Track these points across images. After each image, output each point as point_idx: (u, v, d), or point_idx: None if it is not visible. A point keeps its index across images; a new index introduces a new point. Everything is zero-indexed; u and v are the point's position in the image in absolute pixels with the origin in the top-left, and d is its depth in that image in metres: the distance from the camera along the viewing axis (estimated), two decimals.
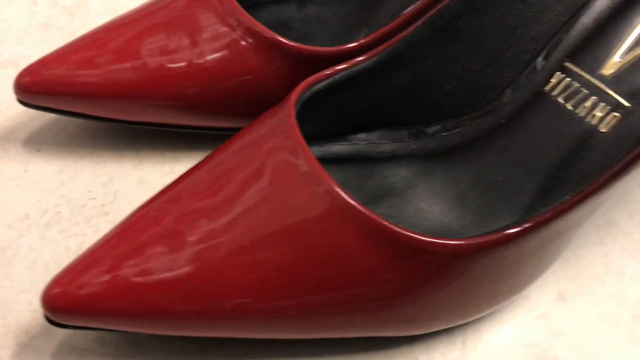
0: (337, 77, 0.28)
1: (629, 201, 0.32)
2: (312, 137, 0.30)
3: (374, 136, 0.31)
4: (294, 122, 0.25)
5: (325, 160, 0.30)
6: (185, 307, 0.22)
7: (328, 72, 0.28)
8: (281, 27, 0.37)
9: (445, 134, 0.30)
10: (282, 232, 0.23)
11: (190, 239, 0.22)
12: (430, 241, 0.23)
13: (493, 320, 0.27)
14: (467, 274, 0.24)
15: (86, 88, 0.30)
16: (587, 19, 0.29)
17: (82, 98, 0.31)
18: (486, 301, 0.26)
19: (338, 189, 0.23)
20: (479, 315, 0.27)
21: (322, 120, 0.30)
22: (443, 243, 0.23)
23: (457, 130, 0.30)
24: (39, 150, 0.33)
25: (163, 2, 0.31)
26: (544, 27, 0.29)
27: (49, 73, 0.30)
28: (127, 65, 0.30)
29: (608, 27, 0.28)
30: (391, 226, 0.23)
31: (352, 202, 0.23)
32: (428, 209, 0.29)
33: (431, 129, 0.31)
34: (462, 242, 0.23)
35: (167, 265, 0.22)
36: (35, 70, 0.30)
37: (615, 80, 0.27)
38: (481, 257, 0.23)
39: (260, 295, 0.23)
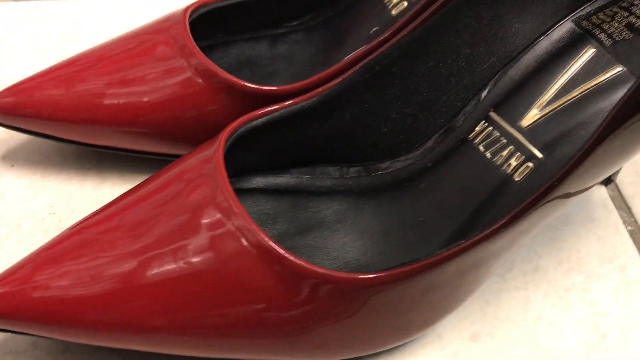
0: (276, 114, 0.30)
1: (560, 249, 0.32)
2: (258, 168, 0.33)
3: (316, 171, 0.33)
4: (220, 154, 0.27)
5: (266, 191, 0.32)
6: (96, 317, 0.24)
7: (266, 109, 0.30)
8: (250, 64, 0.40)
9: (379, 173, 0.32)
10: (192, 255, 0.25)
11: (105, 256, 0.25)
12: (325, 273, 0.24)
13: (404, 353, 0.28)
14: (367, 307, 0.25)
15: (56, 113, 0.33)
16: (514, 72, 0.30)
17: (52, 121, 0.34)
18: (397, 333, 0.27)
19: (248, 221, 0.25)
20: (391, 346, 0.28)
21: (268, 153, 0.32)
22: (339, 276, 0.24)
23: (390, 170, 0.32)
24: (12, 165, 0.36)
25: (131, 38, 0.34)
26: (475, 77, 0.31)
27: (24, 97, 0.33)
28: (92, 93, 0.33)
29: (531, 81, 0.29)
30: (292, 258, 0.24)
31: (261, 235, 0.24)
32: (353, 243, 0.30)
33: (367, 168, 0.32)
34: (356, 276, 0.24)
35: (81, 280, 0.24)
36: (11, 94, 0.33)
37: (531, 132, 0.28)
38: (378, 291, 0.25)
39: (163, 312, 0.24)
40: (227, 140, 0.28)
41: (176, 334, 0.25)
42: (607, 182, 0.35)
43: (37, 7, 0.46)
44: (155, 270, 0.25)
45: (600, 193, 0.35)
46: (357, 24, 0.39)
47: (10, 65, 0.41)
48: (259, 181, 0.32)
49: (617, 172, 0.35)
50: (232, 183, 0.32)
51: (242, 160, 0.31)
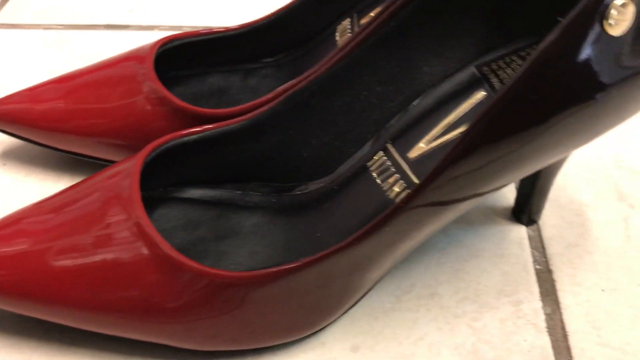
0: (208, 133, 0.34)
1: (461, 279, 0.34)
2: (198, 181, 0.37)
3: (248, 187, 0.37)
4: (138, 165, 0.31)
5: (198, 201, 0.36)
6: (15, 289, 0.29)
7: (201, 128, 0.34)
8: (220, 93, 0.45)
9: (297, 193, 0.35)
10: (97, 247, 0.29)
11: (30, 240, 0.30)
12: (202, 269, 0.28)
13: (286, 354, 0.31)
14: (246, 303, 0.29)
15: (40, 123, 0.39)
16: (415, 109, 0.33)
17: (37, 130, 0.40)
18: (279, 330, 0.30)
19: (144, 220, 0.29)
20: (276, 342, 0.31)
21: (205, 168, 0.36)
22: (214, 272, 0.28)
23: (306, 191, 0.35)
24: (4, 164, 0.42)
25: (104, 64, 0.40)
26: (384, 112, 0.34)
27: (10, 107, 0.39)
28: (67, 109, 0.39)
29: (426, 118, 0.32)
30: (179, 257, 0.28)
31: (152, 234, 0.28)
32: (259, 253, 0.33)
33: (289, 188, 0.36)
34: (228, 273, 0.28)
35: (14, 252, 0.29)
36: (6, 104, 0.40)
37: (415, 163, 0.31)
38: (252, 290, 0.28)
39: (70, 289, 0.29)
40: (150, 153, 0.32)
41: (80, 308, 0.29)
42: (530, 222, 0.37)
43: (54, 34, 0.53)
44: (67, 255, 0.29)
45: (519, 232, 0.37)
46: (314, 65, 0.43)
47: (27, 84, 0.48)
48: (194, 192, 0.36)
49: (540, 213, 0.37)
50: (169, 192, 0.36)
51: (182, 172, 0.36)
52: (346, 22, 0.43)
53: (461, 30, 0.33)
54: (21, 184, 0.40)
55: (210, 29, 0.52)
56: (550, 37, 0.24)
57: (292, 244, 0.33)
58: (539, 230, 0.37)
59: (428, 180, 0.27)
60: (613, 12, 0.24)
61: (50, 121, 0.39)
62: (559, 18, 0.25)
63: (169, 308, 0.29)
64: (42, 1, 0.58)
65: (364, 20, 0.42)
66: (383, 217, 0.27)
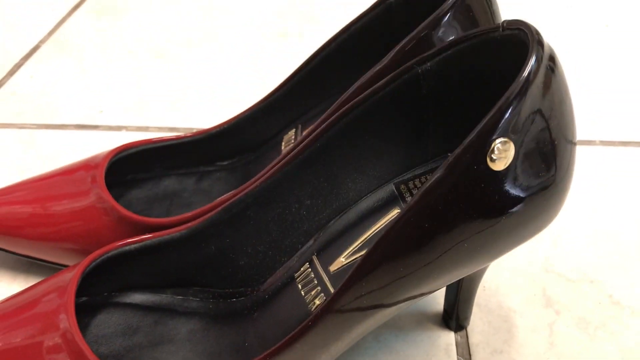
0: (148, 242, 0.37)
1: None
2: (141, 286, 0.39)
3: (188, 292, 0.38)
4: (77, 275, 0.33)
5: (139, 306, 0.38)
6: None
7: (141, 237, 0.36)
8: (173, 195, 0.47)
9: (233, 300, 0.37)
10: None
11: None
12: None
13: None
14: None
15: None
16: (339, 223, 0.35)
17: None
18: None
19: (74, 329, 0.31)
20: None
21: (147, 274, 0.38)
22: None
23: (241, 298, 0.37)
24: None
25: (60, 171, 0.43)
26: (313, 224, 0.36)
27: None
28: (19, 212, 0.41)
29: (348, 233, 0.34)
30: None
31: (79, 342, 0.30)
32: (192, 359, 0.35)
33: (226, 294, 0.37)
34: None
35: None
36: None
37: (335, 276, 0.33)
38: None
39: None
40: (91, 262, 0.34)
41: None
42: (458, 328, 0.39)
43: (26, 134, 0.56)
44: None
45: (448, 338, 0.38)
46: (262, 170, 0.45)
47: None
48: (137, 297, 0.38)
49: (468, 319, 0.39)
50: (112, 297, 0.38)
51: (125, 277, 0.38)
52: (291, 133, 0.46)
53: (382, 150, 0.35)
54: None
55: (174, 129, 0.55)
56: (437, 173, 0.26)
57: (223, 353, 0.35)
58: (466, 336, 0.38)
59: (336, 296, 0.28)
60: (495, 149, 0.26)
61: (4, 227, 0.41)
62: (448, 154, 0.27)
63: None
64: (18, 101, 0.61)
65: (306, 132, 0.45)
66: (300, 330, 0.29)
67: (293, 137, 0.45)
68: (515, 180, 0.28)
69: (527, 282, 0.41)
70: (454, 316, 0.38)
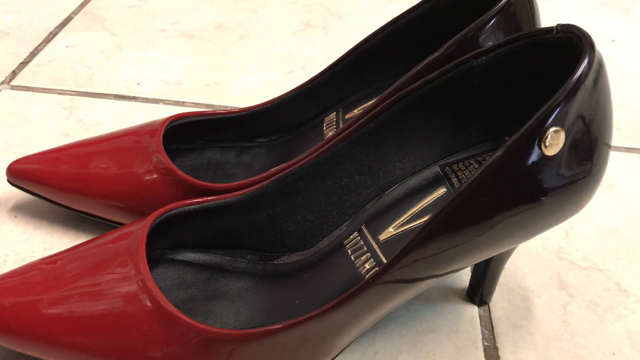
0: (207, 204, 0.40)
1: (420, 350, 0.39)
2: (193, 245, 0.41)
3: (237, 254, 0.41)
4: (146, 228, 0.36)
5: (191, 264, 0.41)
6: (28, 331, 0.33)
7: (202, 199, 0.39)
8: (216, 166, 0.50)
9: (281, 263, 0.40)
10: (99, 295, 0.34)
11: (46, 287, 0.34)
12: (192, 323, 0.32)
13: None
14: (231, 357, 0.33)
15: (52, 182, 0.44)
16: (387, 198, 0.38)
17: (48, 187, 0.44)
18: None
19: (148, 277, 0.33)
20: None
21: (200, 234, 0.41)
22: (206, 328, 0.32)
23: (289, 261, 0.40)
24: (15, 216, 0.46)
25: (118, 133, 0.45)
26: (360, 198, 0.39)
27: (25, 167, 0.44)
28: (80, 172, 0.43)
29: (395, 207, 0.38)
30: (175, 312, 0.32)
31: (154, 290, 0.33)
32: (243, 314, 0.38)
33: (273, 257, 0.41)
34: (214, 329, 0.32)
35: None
36: (23, 163, 0.44)
37: (385, 245, 0.36)
38: (235, 347, 0.33)
39: (76, 333, 0.33)
40: (156, 218, 0.37)
41: (83, 351, 0.33)
42: (481, 303, 0.42)
43: (67, 100, 0.59)
44: (77, 304, 0.34)
45: (472, 311, 0.42)
46: (302, 148, 0.48)
47: (42, 146, 0.53)
48: (189, 255, 0.41)
49: (491, 296, 0.42)
50: (166, 253, 0.41)
51: (179, 236, 0.40)
52: (332, 115, 0.49)
53: (429, 135, 0.39)
54: (29, 236, 0.45)
55: (209, 106, 0.58)
56: (498, 153, 0.30)
57: (273, 309, 0.38)
58: (489, 311, 0.42)
59: (393, 261, 0.32)
60: (549, 136, 0.30)
61: (61, 181, 0.43)
62: (506, 138, 0.30)
63: (160, 357, 0.33)
64: (57, 68, 0.63)
65: (348, 115, 0.48)
66: (354, 291, 0.32)
67: (334, 119, 0.49)
68: (559, 167, 0.31)
69: (542, 267, 0.45)
70: (479, 292, 0.41)
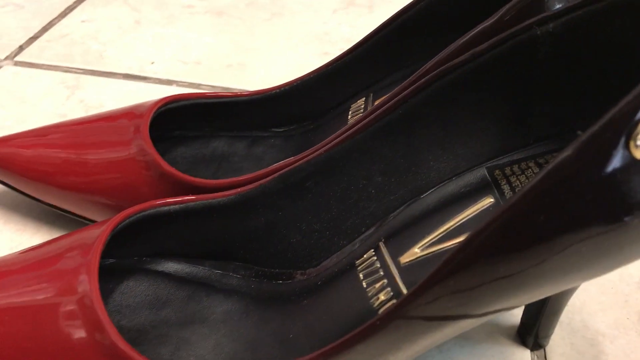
0: (191, 204, 0.32)
1: None
2: (177, 254, 0.34)
3: (229, 267, 0.34)
4: (106, 233, 0.29)
5: (172, 277, 0.33)
6: None
7: (182, 198, 0.32)
8: (221, 159, 0.42)
9: (279, 282, 0.32)
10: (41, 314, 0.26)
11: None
12: None
13: None
14: None
15: (24, 171, 0.37)
16: (416, 207, 0.30)
17: (21, 177, 0.38)
18: None
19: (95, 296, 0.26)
20: None
21: (184, 241, 0.33)
22: None
23: (288, 282, 0.32)
24: None
25: (101, 116, 0.38)
26: (382, 206, 0.31)
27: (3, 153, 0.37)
28: (53, 161, 0.37)
29: (426, 220, 0.29)
30: (128, 349, 0.25)
31: (99, 311, 0.26)
32: (225, 345, 0.30)
33: (272, 275, 0.33)
34: None
35: None
36: None
37: (406, 270, 0.27)
38: None
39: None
40: (123, 220, 0.30)
41: None
42: (536, 346, 0.33)
43: (71, 78, 0.52)
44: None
45: (523, 356, 0.32)
46: (324, 139, 0.40)
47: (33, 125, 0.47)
48: (171, 266, 0.34)
49: (548, 338, 0.33)
50: (144, 262, 0.33)
51: (161, 243, 0.33)
52: (360, 102, 0.41)
53: (476, 126, 0.30)
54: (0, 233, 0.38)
55: (228, 90, 0.50)
56: (566, 153, 0.21)
57: (261, 343, 0.30)
58: (544, 357, 0.33)
59: (415, 293, 0.23)
60: None
61: (34, 171, 0.37)
62: (578, 132, 0.21)
63: None
64: (68, 44, 0.57)
65: (379, 101, 0.39)
66: (362, 330, 0.24)
67: (362, 106, 0.40)
68: None
69: (618, 302, 0.35)
70: (534, 332, 0.32)
